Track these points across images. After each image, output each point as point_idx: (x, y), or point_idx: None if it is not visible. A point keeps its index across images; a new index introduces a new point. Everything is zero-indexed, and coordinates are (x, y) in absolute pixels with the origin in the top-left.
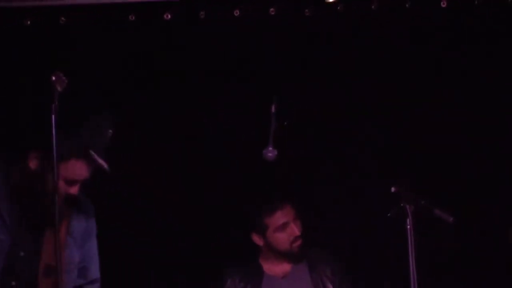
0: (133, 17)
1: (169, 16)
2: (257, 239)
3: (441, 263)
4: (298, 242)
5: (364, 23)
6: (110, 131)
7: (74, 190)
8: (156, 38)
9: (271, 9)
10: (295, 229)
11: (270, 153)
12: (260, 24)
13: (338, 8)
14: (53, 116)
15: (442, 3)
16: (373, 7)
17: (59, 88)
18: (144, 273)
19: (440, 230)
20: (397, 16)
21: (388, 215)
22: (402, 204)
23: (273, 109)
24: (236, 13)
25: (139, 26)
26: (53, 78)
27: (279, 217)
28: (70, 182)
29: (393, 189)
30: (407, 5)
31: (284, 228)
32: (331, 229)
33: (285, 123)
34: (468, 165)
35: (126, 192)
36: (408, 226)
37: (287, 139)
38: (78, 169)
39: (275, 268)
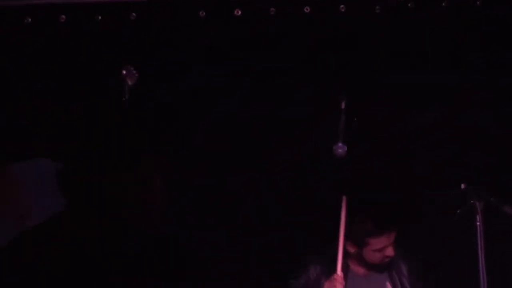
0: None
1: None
2: (350, 248)
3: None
4: (389, 259)
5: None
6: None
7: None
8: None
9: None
10: (391, 251)
11: (340, 149)
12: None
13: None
14: None
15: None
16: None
17: (129, 82)
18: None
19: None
20: None
21: (458, 212)
22: (472, 201)
23: (343, 105)
24: (307, 9)
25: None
26: (124, 72)
27: (383, 241)
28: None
29: (462, 186)
30: None
31: (382, 250)
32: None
33: (355, 119)
34: None
35: None
36: (478, 223)
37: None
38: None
39: (359, 269)
